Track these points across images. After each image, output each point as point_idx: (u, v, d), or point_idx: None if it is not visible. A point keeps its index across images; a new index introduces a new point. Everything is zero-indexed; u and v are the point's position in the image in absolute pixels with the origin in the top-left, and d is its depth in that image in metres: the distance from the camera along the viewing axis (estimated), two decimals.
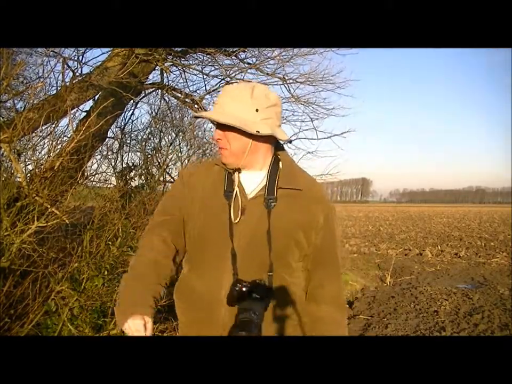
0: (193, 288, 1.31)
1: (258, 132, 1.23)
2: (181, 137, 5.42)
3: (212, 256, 1.28)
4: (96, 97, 4.29)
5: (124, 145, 4.95)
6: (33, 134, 3.00)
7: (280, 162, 1.33)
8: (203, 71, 5.15)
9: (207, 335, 1.27)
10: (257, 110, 1.25)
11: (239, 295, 1.18)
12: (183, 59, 5.12)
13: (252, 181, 1.31)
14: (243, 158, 1.28)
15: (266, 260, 1.25)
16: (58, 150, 2.97)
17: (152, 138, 5.32)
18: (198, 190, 1.33)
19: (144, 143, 5.11)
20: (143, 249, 1.34)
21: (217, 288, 1.25)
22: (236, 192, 1.29)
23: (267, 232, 1.25)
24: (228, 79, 5.26)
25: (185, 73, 5.20)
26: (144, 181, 4.67)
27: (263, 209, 1.27)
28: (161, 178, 4.83)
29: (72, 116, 3.46)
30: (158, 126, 5.37)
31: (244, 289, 1.18)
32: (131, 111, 5.20)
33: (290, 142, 1.37)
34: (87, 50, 3.78)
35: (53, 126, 3.12)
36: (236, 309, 1.19)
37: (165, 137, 5.39)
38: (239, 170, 1.31)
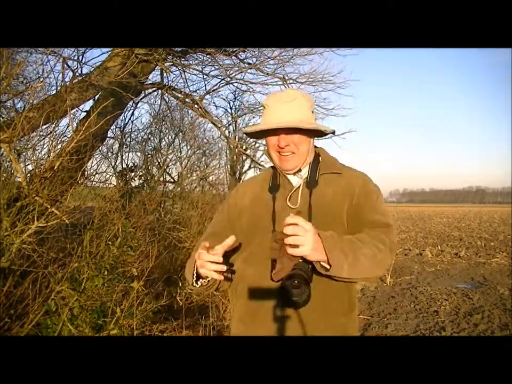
0: (245, 277, 1.32)
1: (326, 130, 1.34)
2: (181, 137, 5.43)
3: (260, 244, 1.31)
4: (96, 97, 4.29)
5: (124, 145, 4.96)
6: (33, 134, 3.00)
7: (320, 157, 1.42)
8: (203, 71, 5.16)
9: (258, 326, 1.26)
10: (312, 112, 1.36)
11: (288, 276, 1.16)
12: (183, 59, 5.11)
13: (297, 175, 1.39)
14: (306, 159, 1.37)
15: None
16: (58, 150, 2.97)
17: (152, 138, 5.32)
18: (245, 197, 1.42)
19: (144, 143, 5.12)
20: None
21: (268, 274, 1.25)
22: (281, 185, 1.37)
23: (308, 211, 1.30)
24: (228, 79, 5.26)
25: (185, 73, 5.20)
26: (144, 181, 4.67)
27: (306, 192, 1.34)
28: (161, 178, 4.83)
29: (72, 116, 3.47)
30: (158, 126, 5.38)
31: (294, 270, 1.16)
32: (131, 111, 5.21)
33: (334, 133, 1.44)
34: (87, 50, 3.79)
35: (53, 126, 3.12)
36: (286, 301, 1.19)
37: (165, 137, 5.41)
38: (299, 171, 1.38)
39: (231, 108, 7.03)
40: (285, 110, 1.31)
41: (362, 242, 1.24)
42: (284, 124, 1.29)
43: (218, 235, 1.35)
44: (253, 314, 1.29)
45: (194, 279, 1.28)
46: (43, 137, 3.06)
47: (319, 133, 1.39)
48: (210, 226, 1.51)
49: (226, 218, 1.44)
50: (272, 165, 1.45)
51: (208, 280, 1.27)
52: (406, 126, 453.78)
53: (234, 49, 4.80)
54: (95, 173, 3.96)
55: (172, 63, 4.83)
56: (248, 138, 8.12)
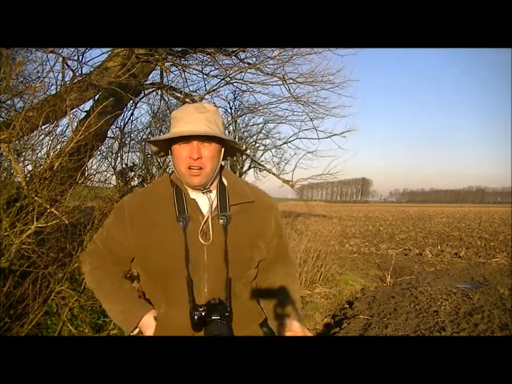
0: (169, 320, 1.27)
1: (239, 147, 1.34)
2: None
3: (175, 286, 1.25)
4: (96, 97, 4.29)
5: (124, 145, 4.95)
6: (33, 134, 3.00)
7: (224, 179, 1.35)
8: (203, 71, 5.16)
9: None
10: (223, 125, 1.30)
11: (200, 321, 1.18)
12: (183, 59, 5.12)
13: (205, 201, 1.30)
14: (213, 178, 1.30)
15: (226, 275, 1.25)
16: (57, 150, 2.97)
17: (151, 138, 5.32)
18: (147, 221, 1.28)
19: (144, 143, 5.11)
20: (98, 270, 1.36)
21: (187, 317, 1.22)
22: (190, 217, 1.26)
23: (224, 248, 1.24)
24: (228, 79, 5.26)
25: (185, 73, 5.20)
26: (144, 181, 4.67)
27: (218, 226, 1.26)
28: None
29: (72, 115, 3.46)
30: (157, 126, 5.37)
31: (203, 313, 1.18)
32: (131, 111, 5.21)
33: (242, 153, 1.39)
34: (87, 50, 3.78)
35: (52, 126, 3.12)
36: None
37: None
38: (209, 191, 1.30)
39: (230, 108, 7.04)
40: (201, 119, 1.23)
41: (295, 290, 1.40)
42: (202, 132, 1.21)
43: (122, 245, 1.30)
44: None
45: (131, 331, 1.30)
46: (42, 137, 3.06)
47: (231, 151, 1.34)
48: (108, 229, 1.35)
49: (128, 228, 1.29)
50: (165, 177, 1.35)
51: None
52: (406, 126, 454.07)
53: (234, 49, 4.80)
54: (95, 172, 3.96)
55: (171, 63, 4.83)
56: (248, 138, 8.12)
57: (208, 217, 1.27)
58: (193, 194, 1.30)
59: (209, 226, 1.26)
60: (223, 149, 1.29)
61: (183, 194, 1.29)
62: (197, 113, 1.25)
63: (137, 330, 1.30)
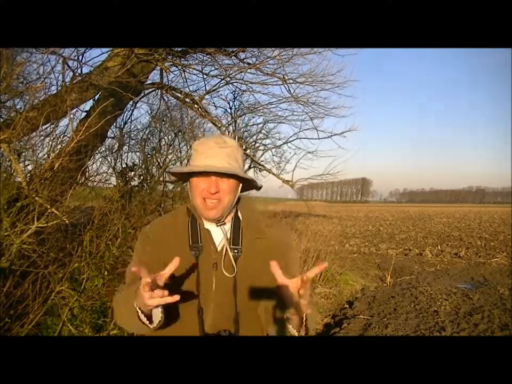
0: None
1: (256, 184, 1.34)
2: (180, 137, 5.42)
3: (183, 313, 1.25)
4: (96, 97, 4.29)
5: (124, 145, 4.95)
6: (33, 134, 3.00)
7: (240, 213, 1.36)
8: (203, 71, 5.16)
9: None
10: (242, 160, 1.31)
11: None
12: (183, 59, 5.12)
13: (219, 233, 1.31)
14: (230, 211, 1.31)
15: (235, 308, 1.25)
16: (58, 150, 2.97)
17: (151, 138, 5.32)
18: (163, 247, 1.29)
19: (143, 143, 5.11)
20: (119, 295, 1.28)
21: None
22: (203, 247, 1.28)
23: (234, 281, 1.25)
24: (228, 79, 5.27)
25: (185, 73, 5.20)
26: (144, 181, 4.67)
27: (230, 260, 1.27)
28: (161, 178, 4.82)
29: (72, 116, 3.46)
30: (157, 126, 5.37)
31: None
32: (131, 111, 5.21)
33: (259, 189, 1.39)
34: (87, 50, 3.78)
35: (53, 126, 3.12)
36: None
37: (165, 137, 5.40)
38: (223, 223, 1.31)
39: (230, 108, 7.02)
40: (221, 154, 1.25)
41: None
42: (222, 169, 1.23)
43: (147, 265, 1.24)
44: None
45: (145, 320, 1.13)
46: (43, 137, 3.06)
47: (248, 186, 1.36)
48: (136, 255, 1.36)
49: (153, 253, 1.29)
50: (183, 207, 1.37)
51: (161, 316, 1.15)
52: (406, 126, 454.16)
53: (234, 49, 4.80)
54: (95, 173, 3.96)
55: (171, 63, 4.83)
56: (248, 138, 8.12)
57: (220, 249, 1.29)
58: (207, 225, 1.32)
59: (222, 258, 1.28)
60: (240, 184, 1.31)
61: (198, 224, 1.31)
62: (218, 148, 1.26)
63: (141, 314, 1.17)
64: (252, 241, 1.31)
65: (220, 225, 1.31)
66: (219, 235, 1.31)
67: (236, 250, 1.28)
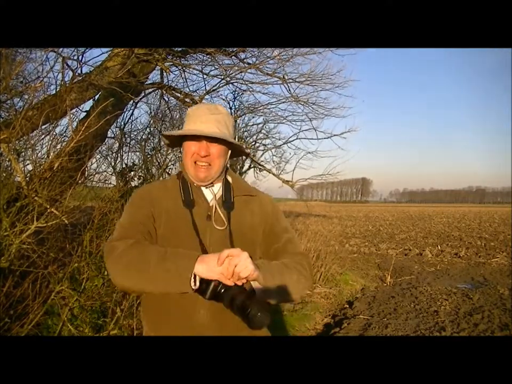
0: (167, 298, 1.25)
1: (243, 151, 1.43)
2: None
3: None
4: (96, 97, 4.29)
5: (124, 145, 4.95)
6: (33, 134, 3.00)
7: (229, 177, 1.45)
8: (203, 71, 5.16)
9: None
10: (233, 127, 1.40)
11: (214, 291, 1.16)
12: (183, 59, 5.12)
13: (210, 192, 1.39)
14: (219, 174, 1.38)
15: None
16: (57, 150, 2.97)
17: (151, 138, 5.32)
18: (159, 203, 1.34)
19: (143, 143, 5.11)
20: (138, 243, 1.26)
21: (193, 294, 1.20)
22: (196, 201, 1.34)
23: (229, 235, 1.31)
24: (228, 79, 5.26)
25: (185, 73, 5.20)
26: (144, 181, 4.67)
27: (224, 213, 1.34)
28: (161, 178, 4.83)
29: (72, 115, 3.46)
30: (157, 126, 5.38)
31: (218, 284, 1.16)
32: (131, 111, 5.21)
33: (247, 155, 1.52)
34: (87, 50, 3.78)
35: (52, 126, 3.12)
36: (214, 309, 1.21)
37: None
38: (212, 185, 1.39)
39: (230, 108, 7.02)
40: (212, 120, 1.33)
41: (288, 268, 1.31)
42: (212, 133, 1.30)
43: (149, 220, 1.31)
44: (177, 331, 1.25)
45: (195, 280, 1.17)
46: (43, 137, 3.06)
47: (236, 153, 1.47)
48: (131, 215, 1.35)
49: (151, 207, 1.33)
50: (172, 175, 1.46)
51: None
52: (406, 126, 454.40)
53: (234, 49, 4.80)
54: (95, 173, 3.96)
55: (171, 63, 4.83)
56: (248, 138, 8.12)
57: (213, 204, 1.35)
58: (198, 186, 1.39)
59: (213, 211, 1.34)
60: (229, 151, 1.40)
61: (189, 184, 1.38)
62: (210, 114, 1.34)
63: (194, 277, 1.19)
64: (242, 199, 1.40)
65: (210, 187, 1.39)
66: (209, 194, 1.39)
67: (227, 204, 1.36)
